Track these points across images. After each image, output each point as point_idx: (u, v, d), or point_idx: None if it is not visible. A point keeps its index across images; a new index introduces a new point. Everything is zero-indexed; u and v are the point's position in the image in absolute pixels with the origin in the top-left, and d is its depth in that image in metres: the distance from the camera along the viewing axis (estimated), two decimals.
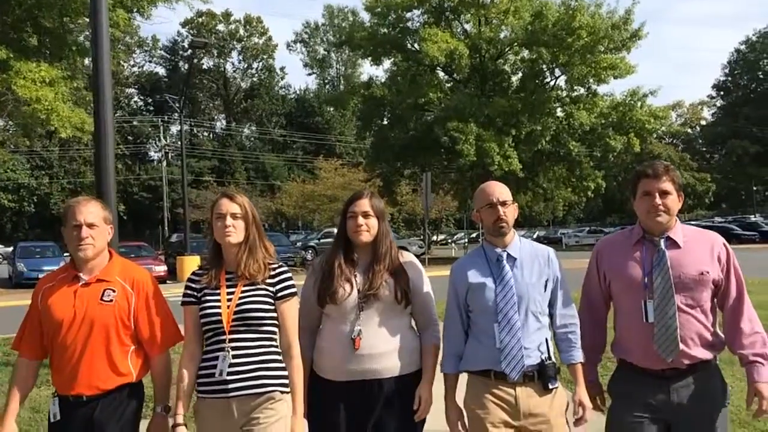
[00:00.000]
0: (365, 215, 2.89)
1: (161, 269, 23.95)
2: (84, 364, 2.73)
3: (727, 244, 2.82)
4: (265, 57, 71.96)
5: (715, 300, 2.79)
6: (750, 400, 2.70)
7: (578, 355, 2.85)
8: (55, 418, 2.77)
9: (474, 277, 2.86)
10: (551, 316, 2.89)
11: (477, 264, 2.91)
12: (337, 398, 2.84)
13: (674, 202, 2.74)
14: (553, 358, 2.81)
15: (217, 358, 2.73)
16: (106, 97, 6.59)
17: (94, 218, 2.81)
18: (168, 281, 22.98)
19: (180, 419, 2.71)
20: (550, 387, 2.74)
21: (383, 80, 34.69)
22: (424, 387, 2.88)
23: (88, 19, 19.49)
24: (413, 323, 3.02)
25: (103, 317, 2.76)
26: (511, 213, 2.86)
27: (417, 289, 2.96)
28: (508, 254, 2.85)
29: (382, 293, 2.84)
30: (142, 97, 69.37)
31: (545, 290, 2.85)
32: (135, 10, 20.03)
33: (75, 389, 2.73)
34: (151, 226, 56.26)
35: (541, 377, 2.74)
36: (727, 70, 63.10)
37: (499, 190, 2.88)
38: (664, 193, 2.71)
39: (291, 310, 2.85)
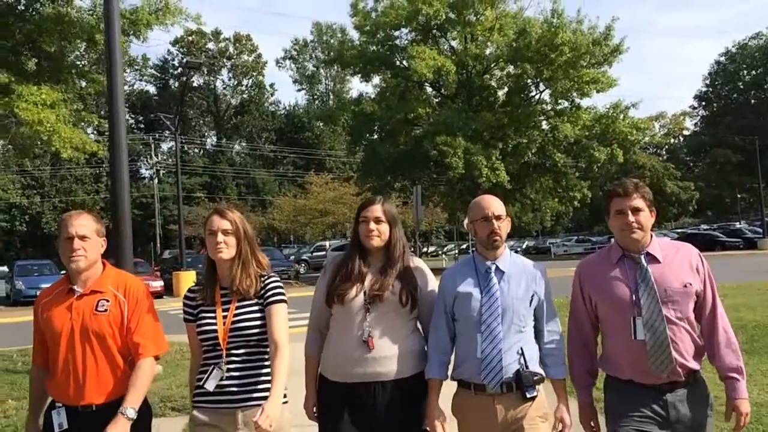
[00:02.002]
0: (377, 221, 2.92)
1: (158, 284, 24.49)
2: (90, 375, 2.76)
3: (702, 255, 2.89)
4: (254, 74, 72.53)
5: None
6: (729, 415, 2.80)
7: (562, 371, 2.89)
8: (61, 428, 2.79)
9: (461, 286, 2.89)
10: (538, 332, 2.90)
11: (466, 274, 2.93)
12: (344, 400, 2.86)
13: (647, 218, 2.78)
14: (531, 367, 2.81)
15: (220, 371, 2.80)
16: (120, 119, 7.15)
17: (86, 230, 2.83)
18: (165, 296, 23.51)
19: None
20: (528, 396, 2.76)
21: (373, 96, 35.31)
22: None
23: (85, 44, 20.14)
24: (419, 326, 3.05)
25: (99, 327, 2.78)
26: (504, 227, 2.89)
27: (425, 295, 2.99)
28: (497, 267, 2.88)
29: (387, 296, 2.86)
30: (132, 115, 69.56)
31: (530, 305, 2.86)
32: (131, 33, 20.57)
33: (84, 399, 2.76)
34: (143, 243, 56.41)
35: (519, 387, 2.75)
36: (708, 81, 64.24)
37: (495, 204, 2.91)
38: (635, 210, 2.76)
39: (277, 313, 2.83)
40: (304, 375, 3.06)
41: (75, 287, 2.87)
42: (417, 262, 3.07)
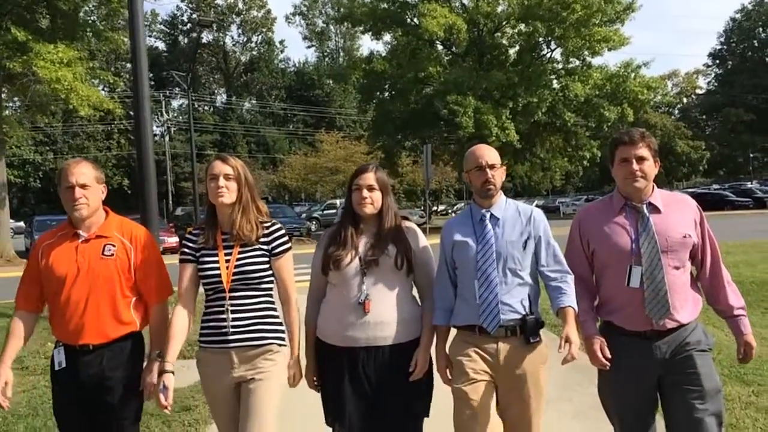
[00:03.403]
0: (370, 188, 2.96)
1: (173, 240, 25.13)
2: (90, 316, 2.84)
3: (699, 207, 2.92)
4: (264, 30, 71.77)
5: (691, 260, 2.88)
6: (740, 350, 2.89)
7: (567, 300, 2.80)
8: (60, 366, 2.89)
9: (458, 235, 2.96)
10: (542, 273, 2.90)
11: (463, 223, 3.00)
12: (345, 364, 2.92)
13: (650, 167, 2.79)
14: (537, 314, 2.87)
15: (221, 313, 2.88)
16: (143, 82, 7.28)
17: (86, 179, 2.87)
18: (180, 251, 24.15)
19: (168, 366, 2.76)
20: (532, 341, 2.80)
21: (383, 54, 35.24)
22: (421, 351, 2.96)
23: (100, 1, 20.31)
24: (415, 291, 3.11)
25: (106, 271, 2.87)
26: (498, 176, 2.93)
27: (418, 256, 3.03)
28: (492, 214, 2.93)
29: (382, 260, 2.91)
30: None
31: (525, 248, 2.88)
32: None
33: (83, 339, 2.84)
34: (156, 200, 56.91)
35: (523, 332, 2.80)
36: (722, 39, 63.32)
37: (488, 154, 2.94)
38: (640, 159, 2.76)
39: (286, 264, 2.99)
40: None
41: (80, 231, 2.92)
42: (409, 225, 3.11)
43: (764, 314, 7.53)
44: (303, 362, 3.11)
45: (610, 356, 2.76)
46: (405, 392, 2.91)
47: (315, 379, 3.10)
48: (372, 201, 2.96)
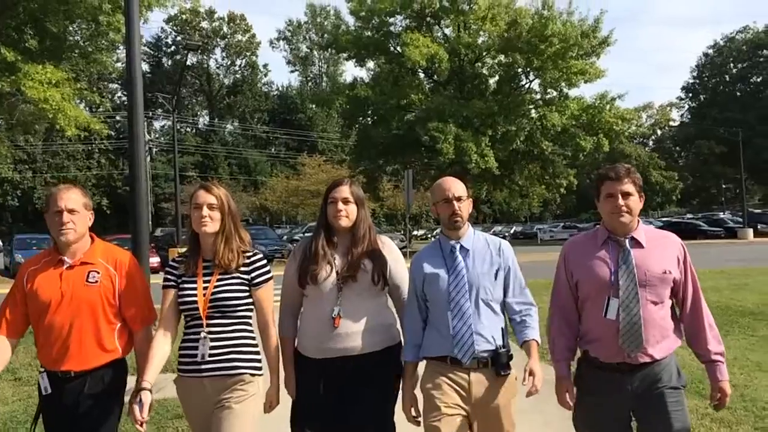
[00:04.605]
0: (345, 201, 2.99)
1: (155, 261, 25.16)
2: (73, 342, 2.82)
3: (684, 245, 2.94)
4: (248, 54, 72.33)
5: (673, 297, 2.89)
6: (714, 396, 2.87)
7: (532, 333, 2.86)
8: (47, 391, 2.88)
9: (429, 268, 2.95)
10: (506, 304, 2.93)
11: (433, 255, 3.00)
12: (319, 374, 2.95)
13: (636, 202, 2.82)
14: (508, 347, 2.86)
15: (197, 340, 2.85)
16: (138, 103, 7.40)
17: (75, 204, 2.87)
18: (161, 272, 24.17)
19: (145, 384, 2.71)
20: (502, 374, 2.80)
21: (367, 81, 35.93)
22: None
23: (89, 23, 20.52)
24: (389, 302, 3.12)
25: (89, 298, 2.85)
26: (465, 208, 2.95)
27: (394, 272, 3.07)
28: (461, 246, 2.94)
29: (360, 275, 2.93)
30: (125, 93, 69.02)
31: (496, 279, 2.91)
32: None
33: (64, 365, 2.82)
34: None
35: (494, 364, 2.80)
36: (695, 73, 64.95)
37: (455, 186, 2.96)
38: (626, 195, 2.79)
39: (267, 294, 2.99)
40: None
41: (65, 258, 2.91)
42: (385, 240, 3.15)
43: (725, 336, 7.99)
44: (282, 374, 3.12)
45: (574, 401, 2.90)
46: (377, 397, 2.96)
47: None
48: (347, 214, 3.00)
